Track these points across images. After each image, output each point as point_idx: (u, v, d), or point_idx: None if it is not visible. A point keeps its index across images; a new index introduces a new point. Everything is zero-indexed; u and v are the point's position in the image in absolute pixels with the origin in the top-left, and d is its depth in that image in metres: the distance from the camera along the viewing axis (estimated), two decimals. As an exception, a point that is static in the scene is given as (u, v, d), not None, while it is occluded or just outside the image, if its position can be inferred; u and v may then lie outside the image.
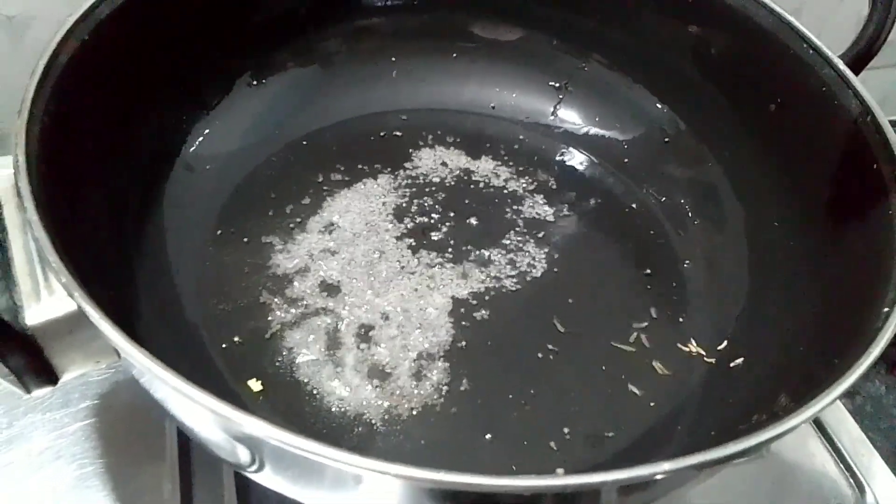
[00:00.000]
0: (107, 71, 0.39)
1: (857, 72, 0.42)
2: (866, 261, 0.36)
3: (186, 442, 0.41)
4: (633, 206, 0.51)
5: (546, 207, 0.51)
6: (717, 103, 0.48)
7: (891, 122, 0.76)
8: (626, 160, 0.53)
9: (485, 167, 0.53)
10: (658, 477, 0.26)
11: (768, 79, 0.45)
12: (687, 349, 0.44)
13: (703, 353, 0.44)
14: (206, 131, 0.48)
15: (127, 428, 0.42)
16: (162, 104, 0.45)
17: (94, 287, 0.29)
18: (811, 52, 0.42)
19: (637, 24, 0.50)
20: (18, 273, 0.31)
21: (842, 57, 0.42)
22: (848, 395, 0.54)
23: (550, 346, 0.44)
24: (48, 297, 0.30)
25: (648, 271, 0.48)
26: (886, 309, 0.32)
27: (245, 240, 0.46)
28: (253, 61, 0.50)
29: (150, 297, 0.40)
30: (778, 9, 0.44)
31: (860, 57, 0.44)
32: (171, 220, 0.44)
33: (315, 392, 0.40)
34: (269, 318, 0.43)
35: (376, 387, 0.41)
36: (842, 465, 0.47)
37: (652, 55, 0.51)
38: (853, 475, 0.47)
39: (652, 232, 0.50)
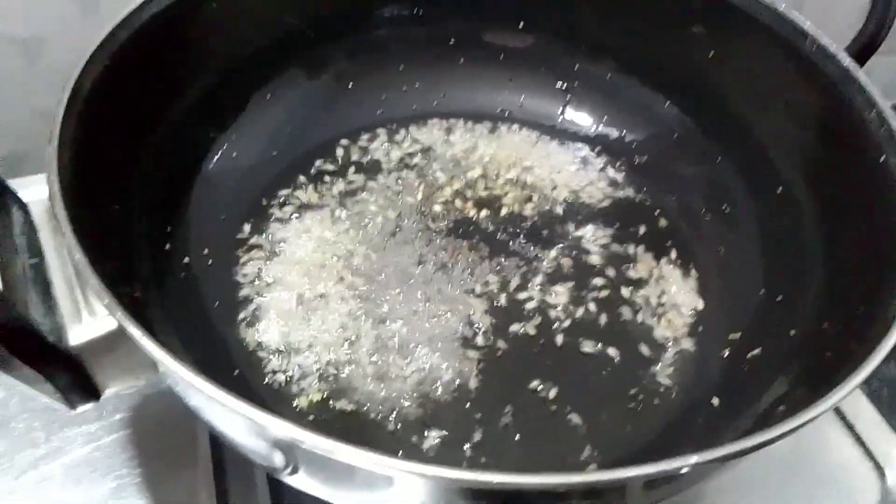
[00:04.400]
0: (128, 93, 0.40)
1: (861, 63, 0.42)
2: (877, 251, 0.37)
3: (220, 449, 0.42)
4: (646, 203, 0.52)
5: (556, 208, 0.52)
6: (724, 101, 0.48)
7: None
8: (635, 159, 0.53)
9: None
10: (684, 471, 0.27)
11: (773, 76, 0.45)
12: (704, 342, 0.45)
13: (720, 345, 0.44)
14: (224, 147, 0.49)
15: (161, 438, 0.43)
16: (181, 122, 0.46)
17: (131, 305, 0.30)
18: (815, 47, 0.42)
19: (642, 25, 0.50)
20: (59, 295, 0.32)
21: (847, 50, 0.42)
22: (864, 381, 0.55)
23: (568, 339, 0.45)
24: (88, 318, 0.31)
25: (662, 270, 0.48)
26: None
27: (265, 250, 0.47)
28: (267, 77, 0.51)
29: (182, 308, 0.41)
30: (779, 6, 0.44)
31: (864, 49, 0.44)
32: (196, 234, 0.45)
33: (343, 391, 0.41)
34: (294, 324, 0.44)
35: (404, 381, 0.42)
36: (861, 450, 0.48)
37: (658, 55, 0.51)
38: (873, 459, 0.47)
39: (665, 229, 0.51)
